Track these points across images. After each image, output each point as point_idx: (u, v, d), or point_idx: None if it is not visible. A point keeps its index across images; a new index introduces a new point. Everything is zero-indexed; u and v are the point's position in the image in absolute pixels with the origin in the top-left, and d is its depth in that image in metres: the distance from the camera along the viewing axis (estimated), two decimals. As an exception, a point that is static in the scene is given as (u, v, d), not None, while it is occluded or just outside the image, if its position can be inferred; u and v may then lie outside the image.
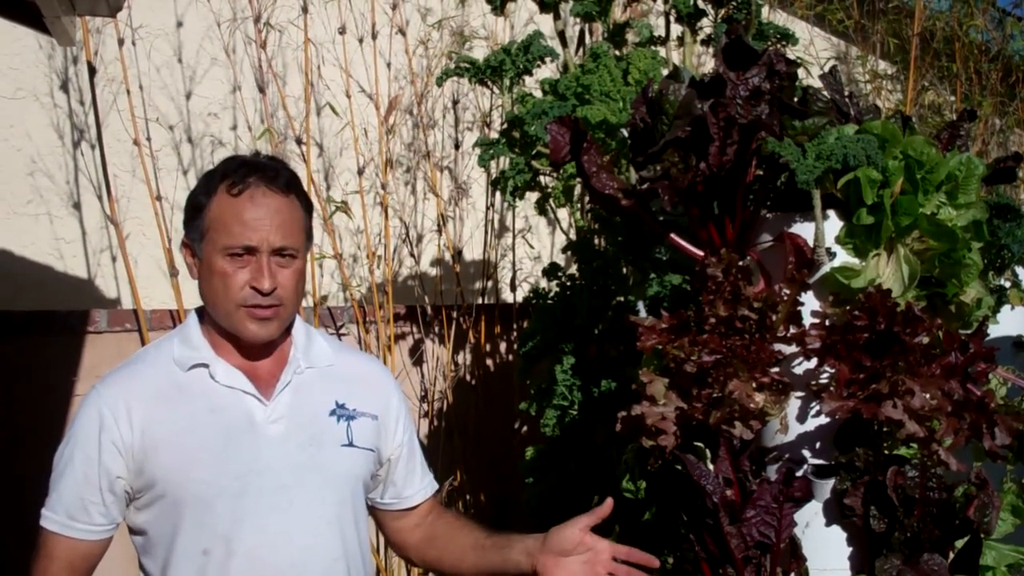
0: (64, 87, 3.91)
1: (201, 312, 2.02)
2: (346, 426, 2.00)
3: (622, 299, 2.88)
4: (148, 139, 3.56)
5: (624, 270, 2.81)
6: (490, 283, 3.96)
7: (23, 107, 3.85)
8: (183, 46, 4.01)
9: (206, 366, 1.94)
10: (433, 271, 3.85)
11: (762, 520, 1.99)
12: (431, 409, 3.73)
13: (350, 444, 2.00)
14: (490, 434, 3.77)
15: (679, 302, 2.47)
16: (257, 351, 1.98)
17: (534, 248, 3.97)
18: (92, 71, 3.52)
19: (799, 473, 2.03)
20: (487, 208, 3.80)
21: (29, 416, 3.31)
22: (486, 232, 3.82)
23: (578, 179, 2.25)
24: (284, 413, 1.95)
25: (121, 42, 3.48)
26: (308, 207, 2.03)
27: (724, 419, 1.97)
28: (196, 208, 1.93)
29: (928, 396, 1.92)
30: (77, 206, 3.95)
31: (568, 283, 2.97)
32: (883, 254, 2.08)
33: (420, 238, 3.87)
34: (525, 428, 3.80)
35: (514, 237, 3.95)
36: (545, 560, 2.02)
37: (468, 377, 3.86)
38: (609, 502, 2.05)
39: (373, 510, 2.20)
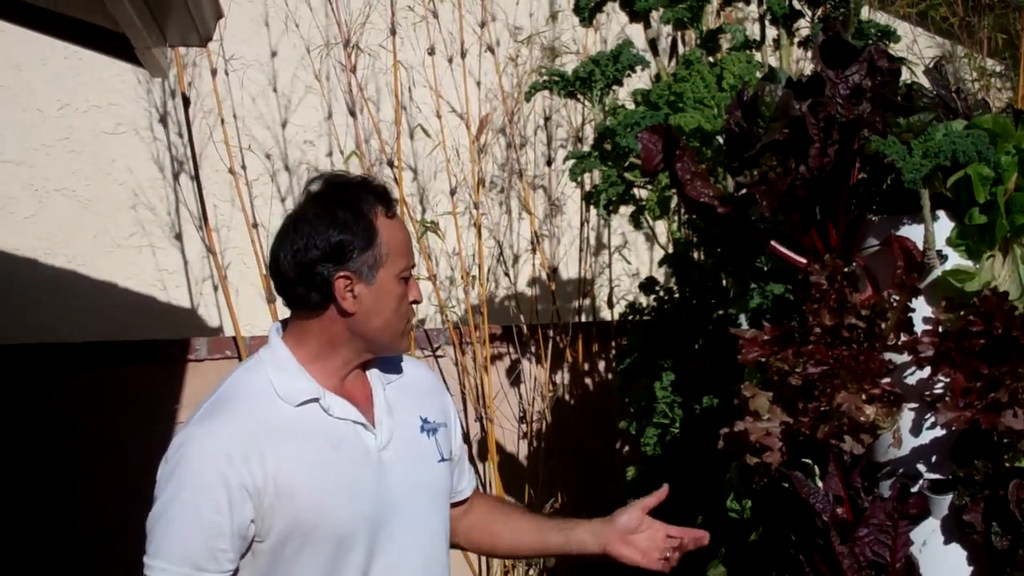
0: (163, 120, 3.98)
1: (286, 339, 1.92)
2: (435, 441, 2.00)
3: (722, 312, 2.80)
4: (243, 167, 3.60)
5: (724, 282, 2.73)
6: (587, 301, 3.91)
7: (124, 142, 3.93)
8: (277, 75, 4.05)
9: (316, 400, 1.86)
10: (529, 291, 3.81)
11: (875, 539, 1.90)
12: (530, 430, 3.69)
13: (442, 459, 2.01)
14: (590, 454, 3.71)
15: (782, 313, 2.38)
16: (358, 375, 1.95)
17: (631, 264, 3.90)
18: (187, 102, 3.57)
19: (915, 489, 1.93)
20: (582, 225, 3.75)
21: (132, 445, 3.35)
22: (581, 249, 3.77)
23: (672, 189, 2.19)
24: (389, 437, 1.92)
25: (214, 72, 3.53)
26: None
27: (833, 433, 1.88)
28: (365, 240, 1.85)
29: (1053, 404, 1.81)
30: (179, 237, 4.01)
31: (666, 298, 2.90)
32: (998, 255, 1.97)
33: (515, 258, 3.83)
34: (627, 448, 3.72)
35: (610, 254, 3.89)
36: (612, 539, 2.08)
37: (567, 397, 3.80)
38: (665, 488, 2.10)
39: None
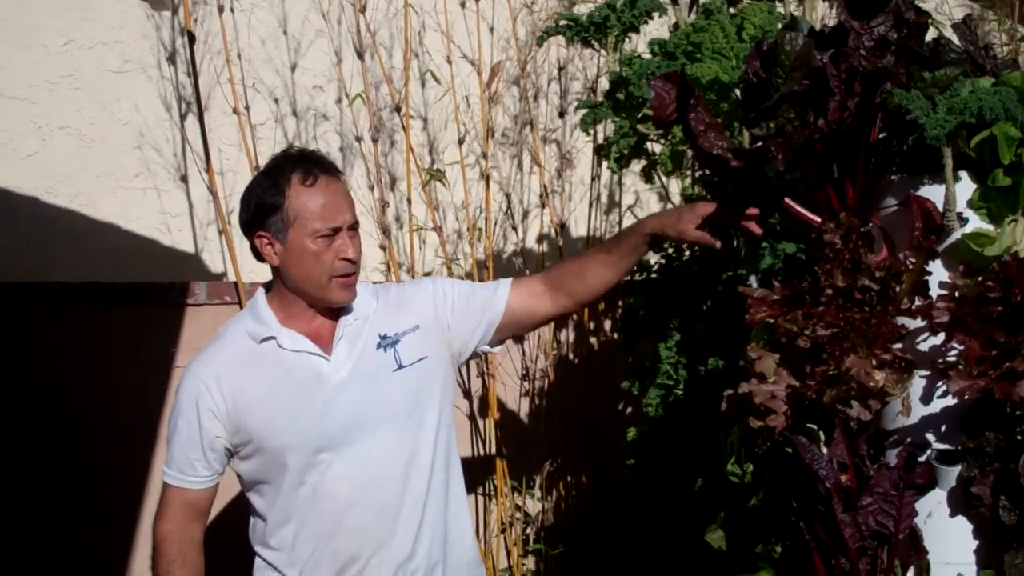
0: (171, 59, 3.89)
1: (268, 288, 2.31)
2: (392, 352, 2.26)
3: (732, 273, 2.72)
4: (247, 108, 3.52)
5: (735, 241, 2.65)
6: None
7: (130, 80, 3.84)
8: (288, 17, 3.96)
9: (274, 338, 2.23)
10: (536, 247, 3.73)
11: (880, 508, 1.83)
12: (532, 388, 3.62)
13: (399, 367, 2.25)
14: (593, 414, 3.65)
15: (793, 274, 2.30)
16: (326, 315, 2.26)
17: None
18: (191, 39, 3.48)
19: (922, 458, 1.86)
20: (592, 180, 3.67)
21: (130, 387, 3.30)
22: (591, 205, 3.69)
23: (686, 142, 2.11)
24: (344, 361, 2.23)
25: (221, 9, 3.43)
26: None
27: (840, 398, 1.82)
28: (275, 204, 2.19)
29: (1071, 376, 1.74)
30: (184, 179, 3.93)
31: (674, 256, 2.82)
32: (1020, 219, 1.89)
33: (524, 212, 3.75)
34: (630, 409, 3.66)
35: (621, 212, 3.81)
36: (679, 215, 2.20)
37: (571, 355, 3.74)
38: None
39: (508, 328, 2.39)
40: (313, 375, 2.21)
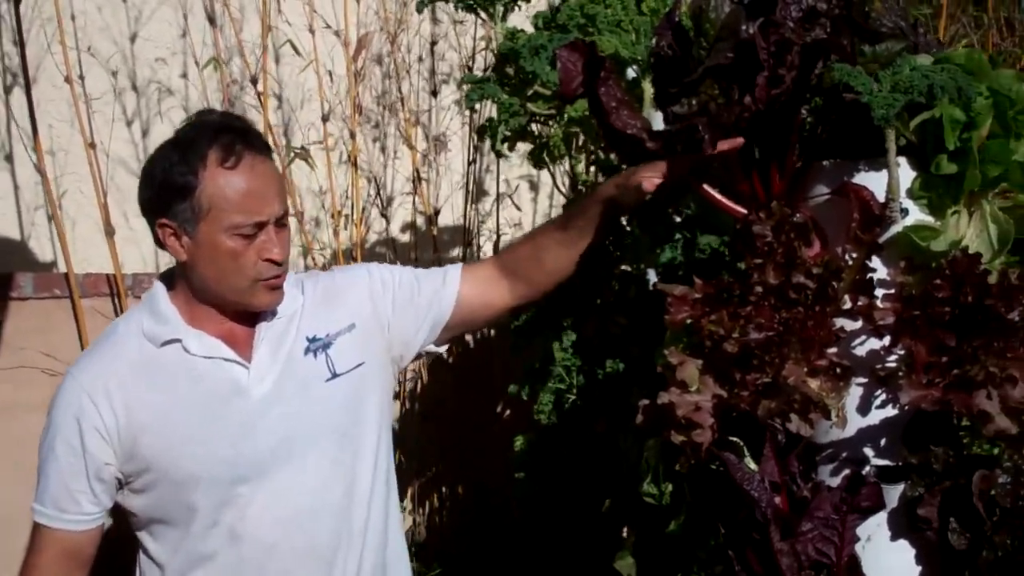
0: (-7, 25, 3.48)
1: (168, 280, 1.95)
2: (324, 358, 1.92)
3: (629, 267, 2.52)
4: (82, 77, 3.15)
5: (634, 233, 2.46)
6: (469, 250, 3.59)
7: (-54, 46, 3.42)
8: (127, -19, 3.59)
9: (179, 340, 1.87)
10: (406, 236, 3.46)
11: (820, 535, 1.65)
12: (402, 390, 3.36)
13: (334, 375, 1.92)
14: (469, 418, 3.42)
15: (705, 270, 2.11)
16: (242, 316, 1.91)
17: (521, 210, 3.60)
18: (17, 1, 3.10)
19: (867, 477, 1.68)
20: (468, 165, 3.42)
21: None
22: (466, 192, 3.44)
23: (593, 119, 1.88)
24: (267, 369, 1.88)
25: (50, -34, 3.06)
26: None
27: (778, 411, 1.62)
28: (184, 188, 1.81)
29: (1029, 385, 1.58)
30: (9, 158, 3.52)
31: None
32: (963, 211, 1.73)
33: (391, 199, 3.48)
34: (508, 412, 3.44)
35: (498, 199, 3.58)
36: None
37: (444, 354, 3.49)
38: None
39: (460, 324, 2.08)
40: (229, 386, 1.85)
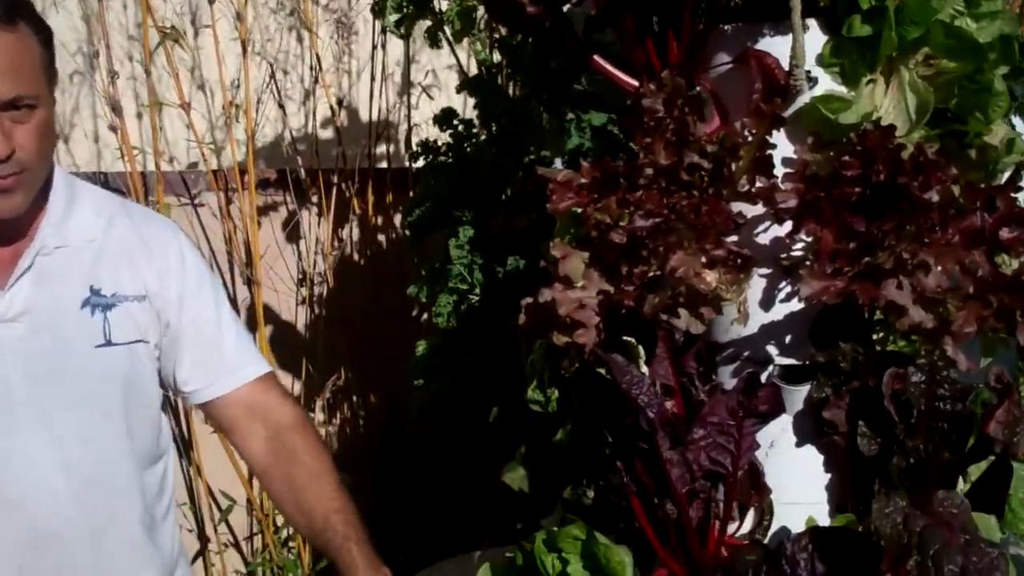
0: None
1: None
2: (102, 319, 1.65)
3: (534, 156, 2.36)
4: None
5: (541, 118, 2.29)
6: (382, 145, 3.40)
7: None
8: None
9: None
10: (309, 128, 3.28)
11: (714, 443, 1.53)
12: (309, 294, 3.21)
13: (108, 343, 1.65)
14: (382, 324, 3.27)
15: (606, 154, 1.95)
16: (5, 229, 1.62)
17: (433, 99, 3.41)
18: None
19: (765, 378, 1.56)
20: (374, 50, 3.23)
21: None
22: (373, 79, 3.25)
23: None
24: (24, 308, 1.60)
25: None
26: (46, 37, 1.60)
27: (664, 306, 1.48)
28: None
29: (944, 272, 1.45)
30: None
31: (468, 135, 2.43)
32: (879, 80, 1.58)
33: (292, 87, 3.27)
34: (425, 316, 3.30)
35: (408, 89, 3.39)
36: None
37: (355, 256, 3.34)
38: None
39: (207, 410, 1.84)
40: None
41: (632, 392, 1.52)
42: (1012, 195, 1.48)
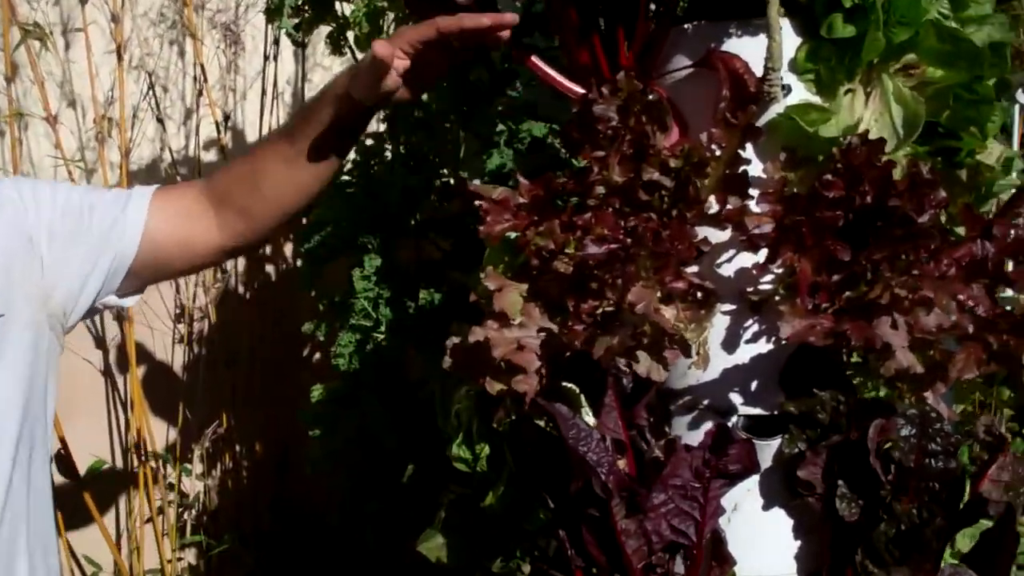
0: None
1: None
2: None
3: (451, 178, 2.16)
4: None
5: (457, 135, 2.10)
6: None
7: None
8: None
9: None
10: (191, 148, 3.02)
11: (677, 509, 1.32)
12: (188, 331, 2.93)
13: None
14: (271, 366, 3.01)
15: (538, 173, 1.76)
16: None
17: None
18: None
19: (739, 431, 1.36)
20: (265, 60, 2.99)
21: None
22: (263, 93, 3.01)
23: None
24: None
25: None
26: None
27: (623, 349, 1.28)
28: None
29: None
30: None
31: (374, 152, 2.21)
32: (858, 89, 1.41)
33: (172, 103, 3.01)
34: (318, 355, 3.05)
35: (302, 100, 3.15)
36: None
37: (239, 288, 3.07)
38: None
39: (150, 269, 1.59)
40: None
41: (581, 449, 1.31)
42: (1010, 222, 1.32)
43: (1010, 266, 1.29)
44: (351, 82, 1.48)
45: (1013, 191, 1.38)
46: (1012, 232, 1.29)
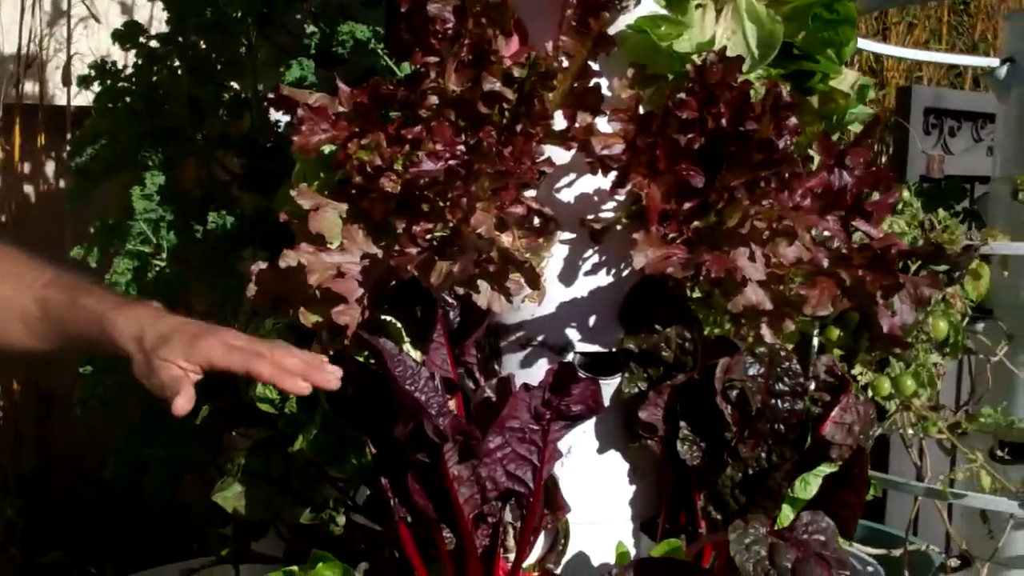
0: None
1: None
2: None
3: (248, 93, 1.98)
4: None
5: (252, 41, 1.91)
6: (31, 81, 2.86)
7: None
8: None
9: None
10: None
11: (514, 453, 1.22)
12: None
13: None
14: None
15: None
16: None
17: (100, 23, 2.90)
18: None
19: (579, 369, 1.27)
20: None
21: None
22: (23, 11, 2.71)
23: None
24: None
25: None
26: None
27: (464, 277, 1.16)
28: None
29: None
30: None
31: (158, 57, 1.99)
32: (708, 4, 1.33)
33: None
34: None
35: (70, 25, 2.86)
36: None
37: (-7, 210, 2.79)
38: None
39: None
40: None
41: (409, 389, 1.18)
42: (866, 152, 1.27)
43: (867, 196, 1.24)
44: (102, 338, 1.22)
45: (865, 120, 1.34)
46: (866, 162, 1.24)
